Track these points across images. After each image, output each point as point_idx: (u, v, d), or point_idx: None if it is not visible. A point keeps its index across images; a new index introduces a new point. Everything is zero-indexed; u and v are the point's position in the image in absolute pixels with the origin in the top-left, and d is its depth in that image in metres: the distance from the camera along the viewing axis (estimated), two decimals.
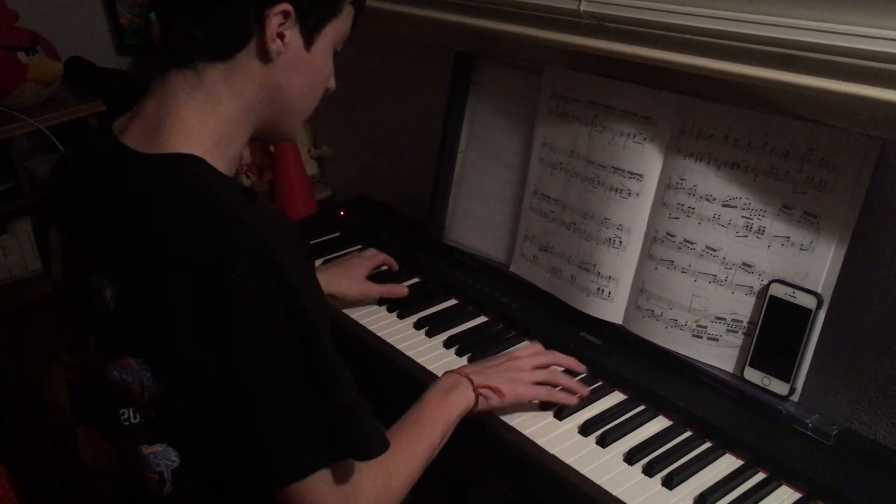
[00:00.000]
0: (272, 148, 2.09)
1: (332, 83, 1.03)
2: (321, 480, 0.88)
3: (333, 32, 0.97)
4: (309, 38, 0.94)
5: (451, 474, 1.34)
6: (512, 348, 1.30)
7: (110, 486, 1.00)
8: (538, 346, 1.26)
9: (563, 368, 1.24)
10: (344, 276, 1.43)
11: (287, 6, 0.89)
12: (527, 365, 1.19)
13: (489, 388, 1.13)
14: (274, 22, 0.89)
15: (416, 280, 1.53)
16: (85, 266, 0.91)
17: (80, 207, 0.95)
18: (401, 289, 1.46)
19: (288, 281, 0.83)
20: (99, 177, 0.93)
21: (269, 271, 0.82)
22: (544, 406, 1.18)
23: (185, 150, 0.89)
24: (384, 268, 1.54)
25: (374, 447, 0.92)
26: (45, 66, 1.98)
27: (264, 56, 0.91)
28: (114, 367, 0.90)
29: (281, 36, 0.91)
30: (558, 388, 1.18)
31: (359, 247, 1.65)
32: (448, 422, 1.08)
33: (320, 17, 0.94)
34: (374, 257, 1.51)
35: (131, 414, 0.91)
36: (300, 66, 0.94)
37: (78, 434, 1.01)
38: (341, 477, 0.90)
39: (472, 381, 1.12)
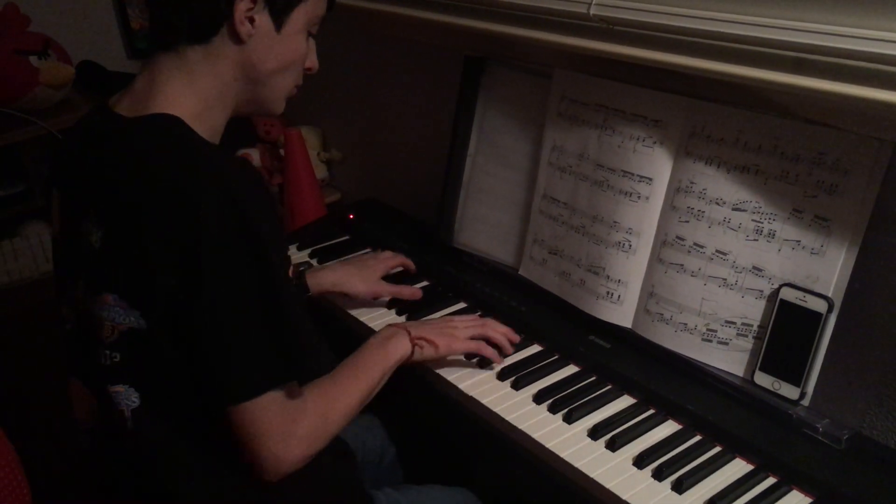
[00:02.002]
0: (282, 151, 2.09)
1: (312, 63, 1.11)
2: (270, 401, 0.96)
3: (304, 15, 1.04)
4: (278, 21, 1.02)
5: (453, 460, 1.35)
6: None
7: (89, 439, 1.09)
8: (477, 317, 1.35)
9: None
10: (357, 276, 1.45)
11: None
12: (461, 324, 1.30)
13: (424, 339, 1.23)
14: (242, 7, 0.98)
15: (425, 283, 1.53)
16: (78, 216, 1.01)
17: (75, 166, 1.06)
18: (413, 290, 1.47)
19: (248, 217, 0.92)
20: (91, 139, 1.05)
21: (231, 207, 0.91)
22: (538, 399, 1.20)
23: (169, 112, 0.99)
24: (399, 268, 1.55)
25: (317, 371, 1.05)
26: (57, 70, 1.99)
27: (237, 39, 1.00)
28: (93, 305, 0.99)
29: (251, 20, 0.99)
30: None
31: (368, 250, 1.66)
32: (385, 367, 1.17)
33: (288, 1, 1.02)
34: (390, 260, 1.52)
35: (104, 354, 1.00)
36: (272, 48, 1.03)
37: (70, 390, 1.10)
38: (288, 400, 0.98)
39: (409, 333, 1.22)
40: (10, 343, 1.84)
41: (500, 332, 1.30)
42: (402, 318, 1.42)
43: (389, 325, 1.25)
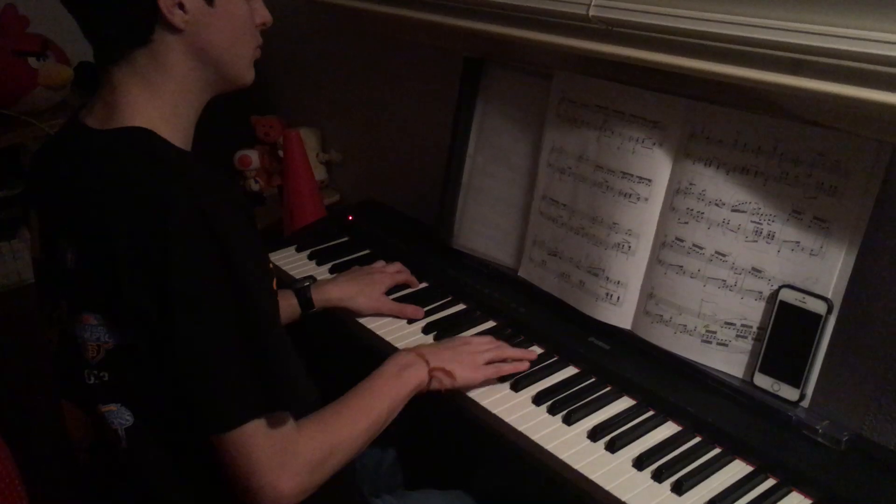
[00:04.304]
0: (281, 153, 2.09)
1: (262, 17, 1.07)
2: (257, 431, 0.92)
3: None
4: None
5: (453, 463, 1.35)
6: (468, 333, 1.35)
7: (87, 457, 1.08)
8: (493, 340, 1.30)
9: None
10: (359, 293, 1.43)
11: None
12: (479, 347, 1.25)
13: (442, 370, 1.18)
14: None
15: (424, 285, 1.53)
16: (54, 234, 1.00)
17: (49, 185, 1.04)
18: (415, 310, 1.43)
19: (220, 232, 0.89)
20: (64, 156, 1.02)
21: (201, 223, 0.88)
22: (538, 401, 1.20)
23: (136, 125, 0.97)
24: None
25: (301, 398, 0.97)
26: (56, 71, 1.99)
27: (175, 29, 0.97)
28: (76, 327, 0.97)
29: (180, 6, 0.96)
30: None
31: (367, 251, 1.65)
32: (398, 398, 1.13)
33: None
34: (395, 275, 1.50)
35: (91, 374, 0.98)
36: (213, 23, 0.99)
37: (63, 410, 1.08)
38: (275, 429, 0.94)
39: (427, 363, 1.18)
40: (9, 347, 1.84)
41: (517, 354, 1.28)
42: (412, 324, 1.41)
43: (407, 352, 1.21)
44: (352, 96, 2.13)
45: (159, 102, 0.99)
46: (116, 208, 0.91)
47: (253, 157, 2.24)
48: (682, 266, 1.24)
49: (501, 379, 1.24)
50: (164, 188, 0.90)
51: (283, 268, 1.60)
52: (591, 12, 1.25)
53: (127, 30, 0.97)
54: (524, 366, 1.26)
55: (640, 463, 1.08)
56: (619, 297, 1.31)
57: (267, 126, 2.24)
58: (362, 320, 1.42)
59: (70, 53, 2.08)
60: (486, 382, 1.23)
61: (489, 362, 1.24)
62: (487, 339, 1.30)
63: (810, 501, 1.03)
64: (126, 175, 0.93)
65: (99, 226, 0.92)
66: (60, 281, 1.00)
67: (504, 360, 1.25)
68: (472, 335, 1.33)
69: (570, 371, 1.28)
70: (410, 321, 1.41)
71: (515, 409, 1.19)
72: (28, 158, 2.07)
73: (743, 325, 1.18)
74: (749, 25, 1.09)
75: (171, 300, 0.88)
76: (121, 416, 0.98)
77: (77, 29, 1.01)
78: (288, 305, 1.37)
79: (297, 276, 1.54)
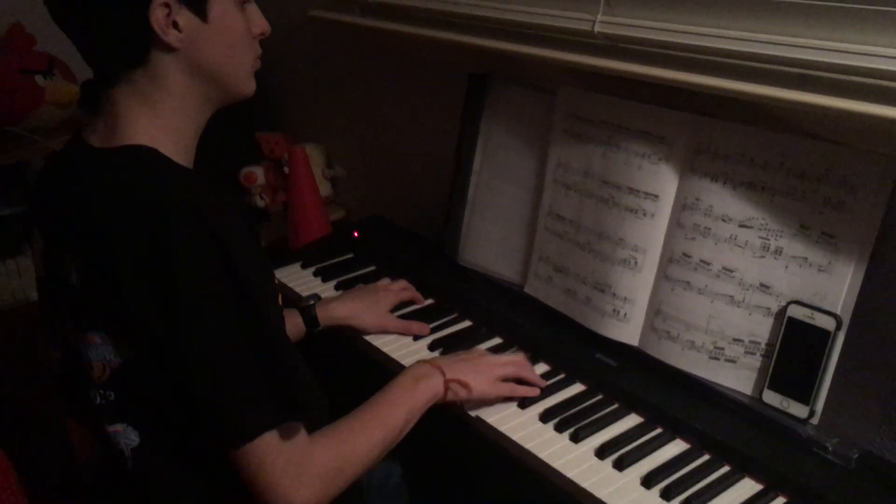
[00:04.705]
0: (286, 169, 2.09)
1: (260, 27, 1.06)
2: (270, 443, 0.92)
3: None
4: (200, 11, 0.97)
5: (459, 480, 1.34)
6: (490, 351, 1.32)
7: (92, 476, 1.08)
8: (517, 357, 1.28)
9: None
10: (365, 311, 1.42)
11: None
12: (496, 362, 1.23)
13: (458, 382, 1.17)
14: (159, 16, 0.94)
15: (430, 301, 1.53)
16: (57, 254, 1.00)
17: (52, 203, 1.04)
18: (421, 327, 1.42)
19: (225, 247, 0.89)
20: (67, 174, 1.02)
21: (205, 237, 0.88)
22: (545, 418, 1.19)
23: (137, 142, 0.97)
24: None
25: (313, 407, 0.97)
26: (62, 89, 2.00)
27: (170, 48, 0.96)
28: (82, 346, 0.97)
29: (174, 24, 0.95)
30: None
31: (373, 267, 1.65)
32: (413, 408, 1.12)
33: None
34: (400, 293, 1.49)
35: (98, 394, 0.97)
36: (209, 39, 0.98)
37: (69, 429, 1.06)
38: (291, 441, 0.94)
39: (443, 373, 1.16)
40: (12, 365, 1.83)
41: (535, 378, 1.25)
42: (417, 341, 1.40)
43: (422, 362, 1.20)
44: (357, 112, 2.13)
45: (160, 120, 0.99)
46: (119, 224, 0.91)
47: (258, 173, 2.25)
48: (689, 282, 1.23)
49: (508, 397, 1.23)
50: (167, 203, 0.90)
51: (289, 284, 1.59)
52: (597, 28, 1.26)
53: (123, 51, 0.97)
54: (536, 392, 1.23)
55: (648, 481, 1.07)
56: (625, 314, 1.30)
57: (272, 142, 2.24)
58: (368, 337, 1.41)
59: (76, 71, 2.09)
60: (500, 399, 1.22)
61: (506, 379, 1.22)
62: (508, 356, 1.28)
63: None
64: (128, 192, 0.93)
65: (102, 242, 0.92)
66: (65, 299, 1.00)
67: (521, 380, 1.23)
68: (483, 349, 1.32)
69: (577, 388, 1.27)
70: (416, 338, 1.41)
71: (522, 427, 1.18)
72: (33, 175, 2.08)
73: (751, 342, 1.17)
74: (755, 41, 1.09)
75: (178, 314, 0.88)
76: (127, 437, 0.98)
77: None
78: (293, 324, 1.36)
79: (302, 293, 1.54)
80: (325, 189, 2.21)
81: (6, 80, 1.97)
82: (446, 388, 1.16)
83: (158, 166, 0.96)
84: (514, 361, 1.26)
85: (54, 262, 1.02)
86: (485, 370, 1.21)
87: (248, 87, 1.06)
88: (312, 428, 1.00)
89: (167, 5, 0.94)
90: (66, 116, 2.05)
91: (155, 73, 0.98)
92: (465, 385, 1.18)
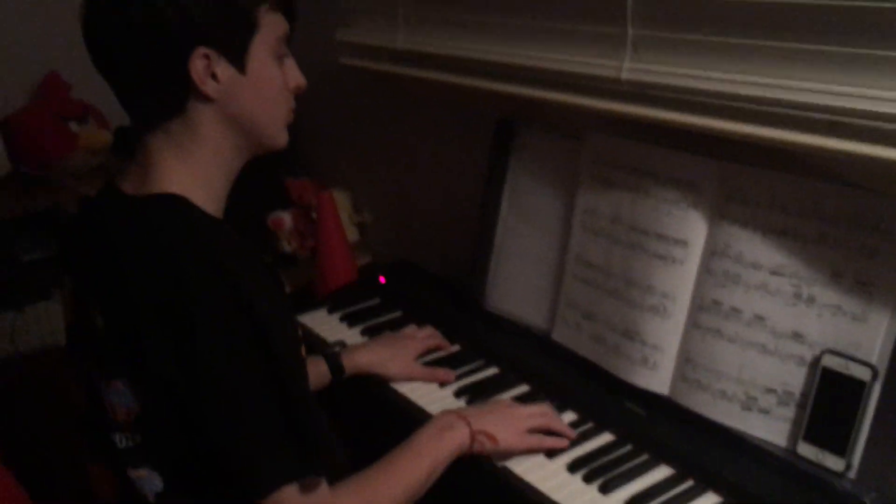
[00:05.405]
0: (314, 215, 2.10)
1: (296, 82, 1.06)
2: (291, 496, 0.92)
3: (263, 45, 0.99)
4: (239, 64, 0.98)
5: None
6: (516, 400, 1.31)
7: None
8: (544, 407, 1.27)
9: None
10: (391, 359, 1.42)
11: (203, 49, 0.94)
12: (524, 413, 1.22)
13: (485, 433, 1.15)
14: (199, 67, 0.95)
15: (456, 348, 1.52)
16: (85, 299, 1.01)
17: (82, 249, 1.05)
18: (447, 374, 1.41)
19: (246, 297, 0.89)
20: (97, 220, 1.03)
21: (226, 288, 0.89)
22: (573, 468, 1.17)
23: (169, 191, 0.97)
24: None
25: (333, 461, 0.96)
26: (95, 136, 2.04)
27: (208, 98, 0.97)
28: (106, 391, 0.98)
29: (213, 76, 0.96)
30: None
31: (399, 313, 1.64)
32: (438, 459, 1.10)
33: (241, 40, 0.98)
34: (426, 340, 1.49)
35: (121, 438, 0.98)
36: (246, 91, 0.99)
37: (91, 475, 1.07)
38: (312, 494, 0.94)
39: (469, 424, 1.15)
40: (39, 409, 1.84)
41: (563, 429, 1.24)
42: (443, 388, 1.39)
43: (447, 413, 1.19)
44: (383, 157, 2.14)
45: (193, 169, 1.00)
46: (142, 273, 0.91)
47: (286, 218, 2.25)
48: (719, 330, 1.21)
49: None
50: (189, 254, 0.90)
51: (314, 329, 1.59)
52: (624, 75, 1.25)
53: (161, 100, 0.98)
54: (565, 443, 1.21)
55: None
56: (655, 362, 1.28)
57: (301, 188, 2.26)
58: (393, 384, 1.40)
59: (109, 117, 2.12)
60: (528, 452, 1.20)
61: (533, 431, 1.20)
62: (535, 407, 1.26)
63: None
64: (153, 241, 0.93)
65: (127, 291, 0.93)
66: (91, 345, 1.00)
67: (550, 431, 1.22)
68: (509, 400, 1.30)
69: (606, 438, 1.25)
70: (442, 385, 1.39)
71: (550, 478, 1.16)
72: (64, 220, 2.11)
73: (785, 392, 1.15)
74: (784, 88, 1.08)
75: (196, 366, 0.88)
76: (151, 483, 0.98)
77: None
78: (319, 372, 1.36)
79: (328, 339, 1.54)
80: (352, 234, 2.22)
81: (42, 126, 2.01)
82: (472, 440, 1.15)
83: (187, 217, 0.96)
84: (541, 412, 1.24)
85: (82, 307, 1.03)
86: (512, 422, 1.19)
87: (281, 139, 1.07)
88: (336, 478, 0.99)
89: (207, 56, 0.95)
90: (99, 162, 2.09)
91: (191, 122, 0.99)
92: (491, 437, 1.16)
